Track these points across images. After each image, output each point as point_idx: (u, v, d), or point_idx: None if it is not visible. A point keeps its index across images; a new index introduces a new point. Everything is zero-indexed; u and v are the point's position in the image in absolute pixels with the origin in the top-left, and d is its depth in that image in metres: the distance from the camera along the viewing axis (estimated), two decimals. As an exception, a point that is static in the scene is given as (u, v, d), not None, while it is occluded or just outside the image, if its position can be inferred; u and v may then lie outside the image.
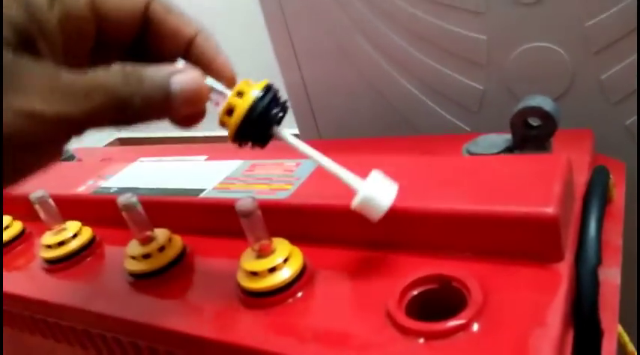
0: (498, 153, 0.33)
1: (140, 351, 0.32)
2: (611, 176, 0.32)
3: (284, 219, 0.31)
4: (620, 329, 0.27)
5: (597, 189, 0.28)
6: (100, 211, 0.40)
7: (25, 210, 0.41)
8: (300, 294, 0.28)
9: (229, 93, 0.26)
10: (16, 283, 0.38)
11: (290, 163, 0.37)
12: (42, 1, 0.23)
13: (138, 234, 0.34)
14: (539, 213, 0.25)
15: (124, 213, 0.33)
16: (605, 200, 0.28)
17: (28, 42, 0.22)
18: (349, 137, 0.50)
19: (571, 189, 0.28)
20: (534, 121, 0.32)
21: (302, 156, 0.27)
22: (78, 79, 0.22)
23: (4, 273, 0.40)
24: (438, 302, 0.25)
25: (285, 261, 0.29)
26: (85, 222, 0.40)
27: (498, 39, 0.43)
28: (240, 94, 0.26)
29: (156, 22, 0.26)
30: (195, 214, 0.36)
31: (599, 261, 0.25)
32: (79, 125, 0.23)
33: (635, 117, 0.41)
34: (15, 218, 0.45)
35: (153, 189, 0.40)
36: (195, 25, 0.27)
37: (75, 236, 0.38)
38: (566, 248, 0.26)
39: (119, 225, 0.34)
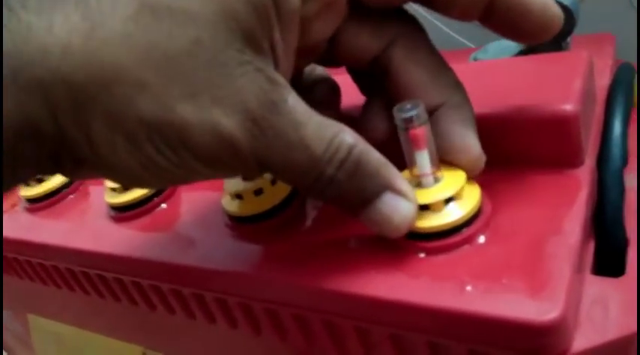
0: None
1: (125, 286, 0.30)
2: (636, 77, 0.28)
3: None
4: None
5: (622, 85, 0.24)
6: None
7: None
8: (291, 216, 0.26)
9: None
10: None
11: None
12: None
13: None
14: (557, 111, 0.22)
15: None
16: (631, 99, 0.25)
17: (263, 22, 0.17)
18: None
19: (592, 89, 0.25)
20: (549, 20, 0.28)
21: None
22: (296, 119, 0.17)
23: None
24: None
25: (273, 182, 0.26)
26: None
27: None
28: None
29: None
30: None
31: (624, 163, 0.22)
32: (260, 172, 0.18)
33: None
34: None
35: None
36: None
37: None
38: (587, 152, 0.23)
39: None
